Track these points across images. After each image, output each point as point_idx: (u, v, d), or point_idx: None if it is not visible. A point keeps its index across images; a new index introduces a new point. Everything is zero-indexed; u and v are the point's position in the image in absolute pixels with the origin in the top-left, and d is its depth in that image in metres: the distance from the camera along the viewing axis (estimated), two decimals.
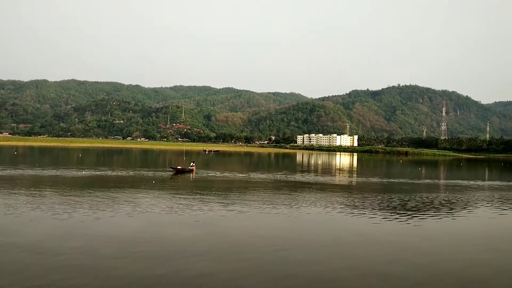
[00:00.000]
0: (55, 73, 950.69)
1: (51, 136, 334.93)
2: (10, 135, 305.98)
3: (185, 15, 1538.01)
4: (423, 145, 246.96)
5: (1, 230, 17.17)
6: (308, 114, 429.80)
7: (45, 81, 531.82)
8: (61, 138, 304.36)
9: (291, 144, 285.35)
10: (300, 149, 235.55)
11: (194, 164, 52.63)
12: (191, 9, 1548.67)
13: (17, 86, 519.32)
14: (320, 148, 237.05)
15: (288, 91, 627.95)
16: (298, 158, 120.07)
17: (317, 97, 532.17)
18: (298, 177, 49.39)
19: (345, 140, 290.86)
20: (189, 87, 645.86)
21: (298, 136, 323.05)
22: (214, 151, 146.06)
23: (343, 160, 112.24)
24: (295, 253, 15.34)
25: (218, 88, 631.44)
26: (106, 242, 15.91)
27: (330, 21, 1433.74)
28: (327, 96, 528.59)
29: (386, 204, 27.86)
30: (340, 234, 18.68)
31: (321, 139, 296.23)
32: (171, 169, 50.63)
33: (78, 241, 15.86)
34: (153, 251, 14.80)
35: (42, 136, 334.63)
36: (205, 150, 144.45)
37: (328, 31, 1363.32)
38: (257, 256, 14.79)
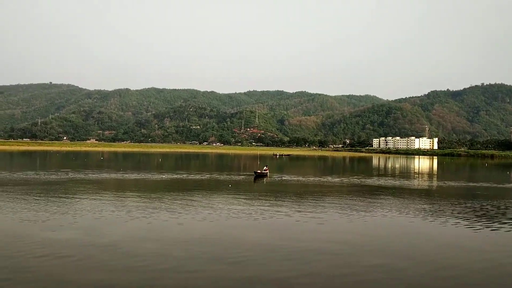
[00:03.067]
0: (137, 82, 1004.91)
1: (133, 142, 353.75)
2: (97, 141, 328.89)
3: (254, 21, 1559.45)
4: (511, 148, 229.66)
5: (82, 230, 17.90)
6: (384, 117, 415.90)
7: (127, 90, 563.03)
8: (142, 143, 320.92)
9: (367, 147, 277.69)
10: (376, 152, 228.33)
11: (267, 168, 52.72)
12: (259, 15, 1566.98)
13: (103, 95, 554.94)
14: (397, 152, 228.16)
15: (362, 94, 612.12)
16: (374, 162, 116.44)
17: (393, 99, 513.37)
18: (375, 181, 47.60)
19: (424, 143, 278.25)
20: (262, 92, 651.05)
21: (374, 139, 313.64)
22: (285, 155, 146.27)
23: (422, 164, 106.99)
24: (379, 261, 14.44)
25: (291, 92, 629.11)
26: (181, 245, 16.01)
27: (406, 20, 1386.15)
28: (404, 97, 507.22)
29: (481, 212, 25.60)
30: (434, 247, 17.41)
31: (398, 142, 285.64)
32: (254, 173, 50.77)
33: (153, 243, 16.11)
34: (229, 256, 14.62)
35: (125, 142, 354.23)
36: (276, 155, 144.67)
37: (405, 29, 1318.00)
38: (342, 263, 14.14)
